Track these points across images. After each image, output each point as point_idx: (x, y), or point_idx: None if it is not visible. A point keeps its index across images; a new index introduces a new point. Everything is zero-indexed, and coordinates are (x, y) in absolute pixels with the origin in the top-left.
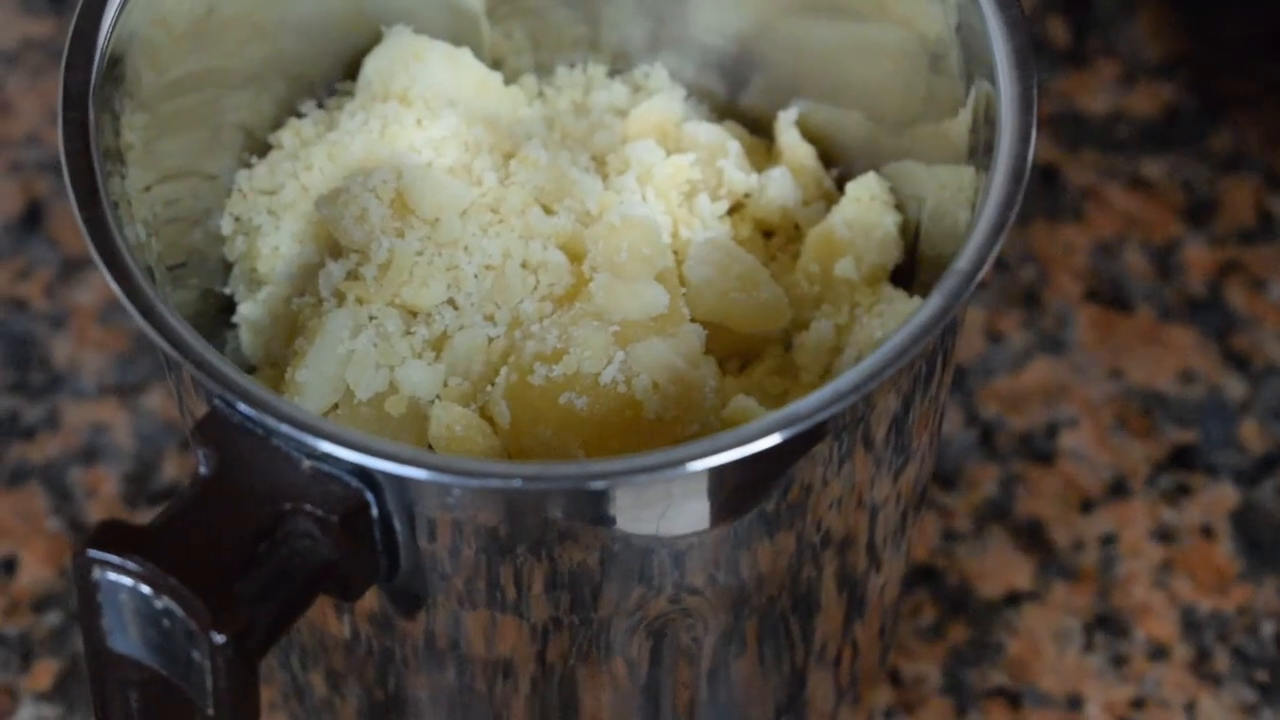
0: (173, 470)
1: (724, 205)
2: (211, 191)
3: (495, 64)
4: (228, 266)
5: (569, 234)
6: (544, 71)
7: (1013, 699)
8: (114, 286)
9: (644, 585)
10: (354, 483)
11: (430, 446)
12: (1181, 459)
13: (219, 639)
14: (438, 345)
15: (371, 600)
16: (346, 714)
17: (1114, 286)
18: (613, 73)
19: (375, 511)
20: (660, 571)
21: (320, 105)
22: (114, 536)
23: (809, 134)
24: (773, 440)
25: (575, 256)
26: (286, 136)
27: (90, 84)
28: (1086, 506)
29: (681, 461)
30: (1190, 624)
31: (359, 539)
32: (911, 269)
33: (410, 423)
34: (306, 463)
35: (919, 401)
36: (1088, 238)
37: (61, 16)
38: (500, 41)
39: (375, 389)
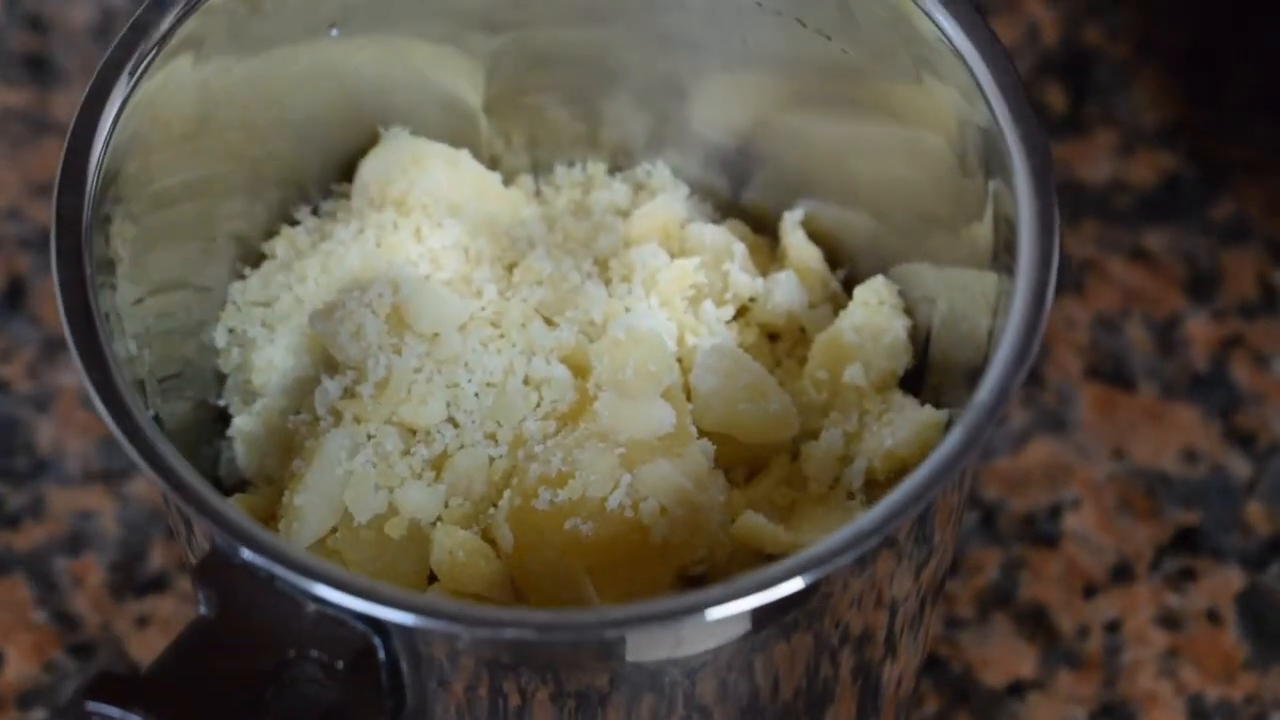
0: (160, 559)
1: (730, 310)
2: (205, 303)
3: (492, 163)
4: (221, 378)
5: (572, 347)
6: (542, 170)
7: None
8: (115, 430)
9: (655, 694)
10: (360, 627)
11: (432, 570)
12: (1185, 541)
13: None
14: (438, 465)
15: None
16: None
17: (1115, 363)
18: (613, 169)
19: (382, 655)
20: (671, 686)
21: (315, 210)
22: (113, 686)
23: (815, 234)
24: (794, 586)
25: (579, 370)
26: (280, 246)
27: (84, 209)
28: (1090, 591)
29: (700, 608)
30: (1197, 713)
31: (365, 682)
32: (920, 371)
33: (411, 545)
34: (311, 606)
35: (942, 507)
36: (1089, 312)
37: (42, 86)
38: (497, 140)
39: (374, 511)
